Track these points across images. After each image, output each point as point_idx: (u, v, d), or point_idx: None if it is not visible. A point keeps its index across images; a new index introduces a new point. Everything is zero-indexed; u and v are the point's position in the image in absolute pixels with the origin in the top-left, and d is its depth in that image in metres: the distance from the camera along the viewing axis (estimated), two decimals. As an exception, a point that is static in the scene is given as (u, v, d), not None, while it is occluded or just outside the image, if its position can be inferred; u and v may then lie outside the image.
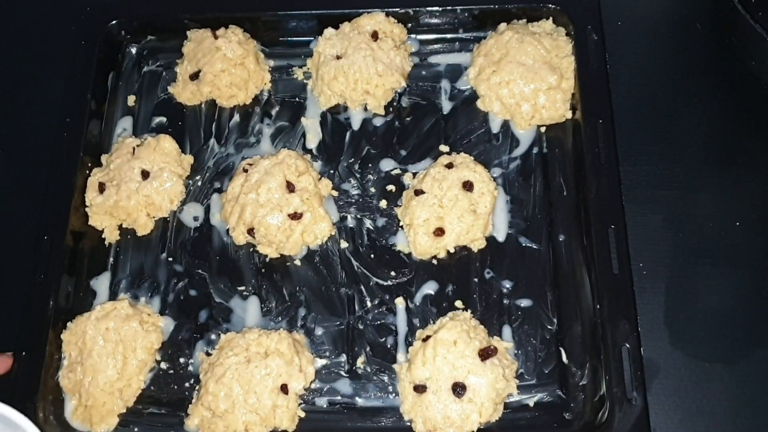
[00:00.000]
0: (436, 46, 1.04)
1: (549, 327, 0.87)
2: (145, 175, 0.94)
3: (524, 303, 0.89)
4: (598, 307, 0.84)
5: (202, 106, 1.02)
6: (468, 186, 0.90)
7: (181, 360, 0.89)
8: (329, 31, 1.01)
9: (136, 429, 0.85)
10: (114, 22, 1.03)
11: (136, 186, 0.93)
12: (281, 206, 0.90)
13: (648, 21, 1.04)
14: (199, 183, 0.98)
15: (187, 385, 0.87)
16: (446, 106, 1.00)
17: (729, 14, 0.92)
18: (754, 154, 0.95)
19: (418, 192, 0.91)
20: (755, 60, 0.96)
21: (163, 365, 0.88)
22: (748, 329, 0.86)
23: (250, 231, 0.91)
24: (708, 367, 0.84)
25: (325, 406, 0.85)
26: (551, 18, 1.00)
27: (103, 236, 0.95)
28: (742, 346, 0.85)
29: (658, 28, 1.04)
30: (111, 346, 0.86)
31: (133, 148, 0.96)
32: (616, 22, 1.03)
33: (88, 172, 0.97)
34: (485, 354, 0.82)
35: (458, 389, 0.81)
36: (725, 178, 0.94)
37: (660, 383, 0.84)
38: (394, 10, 1.01)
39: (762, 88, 0.97)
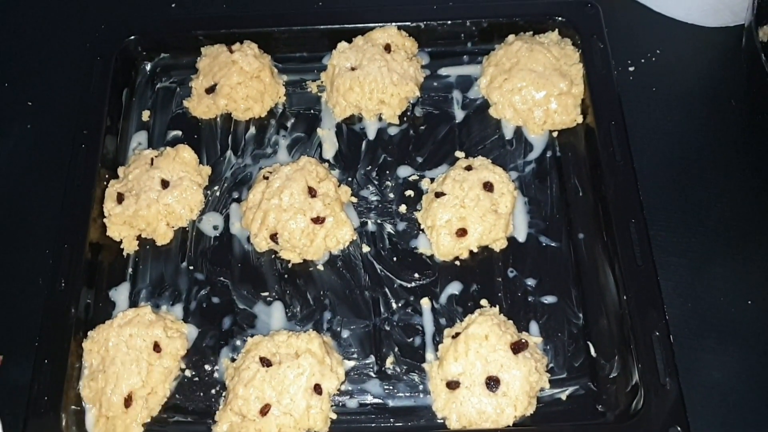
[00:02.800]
0: (445, 58, 1.06)
1: (575, 322, 0.88)
2: (165, 184, 0.94)
3: (549, 300, 0.89)
4: (624, 298, 0.85)
5: (218, 119, 1.03)
6: (488, 186, 0.92)
7: (206, 367, 0.87)
8: (343, 45, 1.03)
9: (162, 438, 0.83)
10: (129, 39, 1.04)
11: (156, 195, 0.93)
12: (304, 210, 0.91)
13: (682, 91, 1.04)
14: (218, 193, 0.98)
15: (213, 392, 0.86)
16: (459, 114, 1.02)
17: (763, 93, 0.92)
18: (774, 234, 0.94)
19: (439, 194, 0.93)
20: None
21: (188, 373, 0.87)
22: (749, 409, 0.85)
23: (273, 236, 0.91)
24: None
25: (356, 407, 0.84)
26: (557, 30, 1.04)
27: (121, 247, 0.94)
28: (742, 426, 0.84)
29: (692, 99, 1.04)
30: (135, 353, 0.84)
31: (152, 159, 0.96)
32: (650, 87, 1.04)
33: (105, 183, 0.96)
34: (517, 347, 0.82)
35: (492, 383, 0.81)
36: (741, 255, 0.93)
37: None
38: (406, 24, 1.04)
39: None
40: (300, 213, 0.90)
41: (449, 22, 1.04)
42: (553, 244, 0.93)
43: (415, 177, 0.98)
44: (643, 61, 1.06)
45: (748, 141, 1.00)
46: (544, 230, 0.94)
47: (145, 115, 1.04)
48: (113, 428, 0.82)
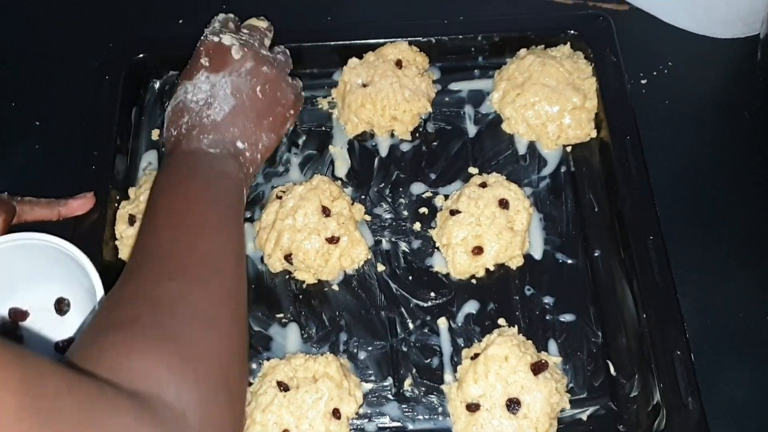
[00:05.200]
0: (456, 73, 1.06)
1: (594, 340, 0.87)
2: (176, 205, 0.93)
3: (567, 318, 0.88)
4: (644, 315, 0.84)
5: (228, 137, 1.02)
6: (504, 203, 0.91)
7: (222, 391, 0.86)
8: (354, 61, 1.02)
9: (178, 465, 0.82)
10: (138, 57, 1.04)
11: (168, 216, 0.92)
12: (318, 230, 0.90)
13: (695, 104, 1.03)
14: (230, 213, 0.97)
15: (230, 416, 0.85)
16: (471, 129, 1.02)
17: None
18: (792, 249, 0.93)
19: (454, 212, 0.92)
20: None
21: (204, 397, 0.86)
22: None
23: (288, 257, 0.90)
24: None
25: (374, 431, 0.83)
26: (569, 43, 1.03)
27: (133, 269, 0.93)
28: None
29: (706, 111, 1.03)
30: (151, 379, 0.83)
31: (163, 180, 0.95)
32: (663, 100, 1.03)
33: (116, 205, 0.95)
34: (537, 368, 0.81)
35: (513, 405, 0.80)
36: (759, 270, 0.92)
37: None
38: (417, 39, 1.03)
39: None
40: (314, 233, 0.90)
41: (460, 36, 1.04)
42: (569, 261, 0.92)
43: (428, 194, 0.97)
44: (655, 73, 1.06)
45: (763, 153, 0.99)
46: (560, 247, 0.93)
47: (155, 134, 1.03)
48: (130, 455, 0.81)
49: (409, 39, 1.03)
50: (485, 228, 0.90)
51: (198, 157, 0.81)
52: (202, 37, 0.89)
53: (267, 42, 0.92)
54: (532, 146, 1.00)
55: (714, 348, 0.88)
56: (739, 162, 0.99)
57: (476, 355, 0.84)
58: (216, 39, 0.87)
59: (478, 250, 0.90)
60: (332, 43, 1.04)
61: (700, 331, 0.88)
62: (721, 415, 0.83)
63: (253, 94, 0.85)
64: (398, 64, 1.01)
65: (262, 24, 0.94)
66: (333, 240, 0.90)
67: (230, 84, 0.84)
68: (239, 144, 0.84)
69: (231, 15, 0.92)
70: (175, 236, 0.74)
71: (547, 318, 0.89)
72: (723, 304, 0.90)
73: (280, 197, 0.93)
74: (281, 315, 0.90)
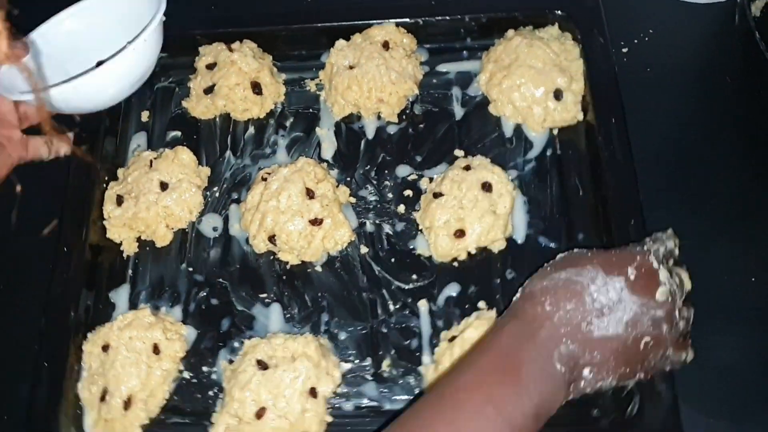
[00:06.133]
0: (444, 54, 1.05)
1: (573, 324, 0.87)
2: (163, 186, 0.94)
3: (547, 301, 0.89)
4: (622, 301, 0.84)
5: (217, 119, 1.03)
6: (487, 187, 0.91)
7: (204, 369, 0.88)
8: (341, 43, 1.02)
9: (160, 440, 0.84)
10: (127, 39, 1.04)
11: (155, 197, 0.93)
12: (302, 212, 0.91)
13: (677, 70, 1.03)
14: (217, 194, 0.98)
15: (210, 393, 0.87)
16: (458, 112, 1.01)
17: (759, 69, 0.90)
18: (776, 211, 0.93)
19: (437, 195, 0.92)
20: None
21: (186, 375, 0.88)
22: (758, 388, 0.84)
23: (271, 238, 0.91)
24: (714, 424, 0.82)
25: (351, 410, 0.85)
26: (557, 24, 1.03)
27: (121, 249, 0.95)
28: (751, 405, 0.83)
29: (687, 78, 1.03)
30: (134, 356, 0.85)
31: (151, 161, 0.96)
32: (645, 68, 1.02)
33: (105, 185, 0.97)
34: (513, 351, 0.82)
35: (487, 387, 0.81)
36: (743, 234, 0.92)
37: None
38: (404, 20, 1.03)
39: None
40: (298, 215, 0.90)
41: (448, 17, 1.03)
42: (551, 245, 0.92)
43: (414, 176, 0.97)
44: (636, 42, 1.05)
45: (745, 118, 0.99)
46: (544, 231, 0.93)
47: (144, 115, 1.04)
48: (112, 431, 0.84)
49: (396, 20, 1.03)
50: (467, 211, 0.90)
51: (540, 363, 0.70)
52: (646, 248, 0.77)
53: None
54: (518, 129, 0.99)
55: (701, 313, 0.86)
56: (721, 126, 0.99)
57: (453, 338, 0.84)
58: (655, 264, 0.75)
59: (460, 233, 0.90)
60: (320, 24, 1.04)
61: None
62: (709, 378, 0.83)
63: (639, 340, 0.72)
64: (385, 45, 1.01)
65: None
66: (316, 222, 0.91)
67: (633, 313, 0.72)
68: (586, 372, 0.72)
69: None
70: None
71: (527, 301, 0.89)
72: (708, 270, 0.88)
73: (265, 179, 0.94)
74: (264, 295, 0.91)
